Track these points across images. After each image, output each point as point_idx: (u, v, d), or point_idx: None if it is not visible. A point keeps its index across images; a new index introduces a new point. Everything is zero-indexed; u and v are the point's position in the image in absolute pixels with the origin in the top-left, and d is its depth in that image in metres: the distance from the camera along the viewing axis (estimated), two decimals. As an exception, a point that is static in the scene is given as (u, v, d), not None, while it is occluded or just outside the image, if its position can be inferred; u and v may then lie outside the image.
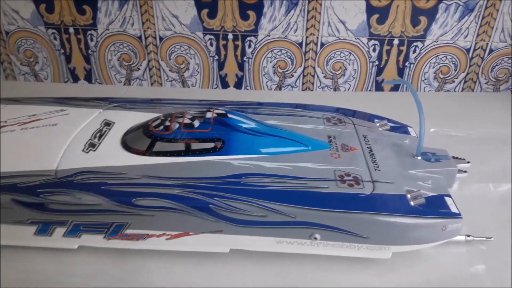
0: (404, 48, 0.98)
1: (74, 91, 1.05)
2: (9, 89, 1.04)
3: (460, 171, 0.63)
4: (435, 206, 0.53)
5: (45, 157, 0.56)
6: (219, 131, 0.58)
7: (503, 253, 0.57)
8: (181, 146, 0.57)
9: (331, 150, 0.61)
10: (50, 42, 1.03)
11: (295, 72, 1.03)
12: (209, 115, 0.59)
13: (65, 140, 0.59)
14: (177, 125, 0.58)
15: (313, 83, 1.04)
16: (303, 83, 1.04)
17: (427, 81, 1.02)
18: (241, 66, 1.03)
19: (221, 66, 1.03)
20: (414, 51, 0.98)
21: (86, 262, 0.55)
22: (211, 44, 1.00)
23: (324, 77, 1.03)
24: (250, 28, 0.97)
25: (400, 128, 0.70)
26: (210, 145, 0.57)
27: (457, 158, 0.64)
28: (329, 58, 1.00)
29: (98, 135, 0.61)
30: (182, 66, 1.04)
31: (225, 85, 1.06)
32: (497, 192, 0.67)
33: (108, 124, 0.64)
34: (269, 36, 0.98)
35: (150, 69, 1.05)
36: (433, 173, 0.60)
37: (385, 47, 0.98)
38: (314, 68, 1.02)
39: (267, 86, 1.05)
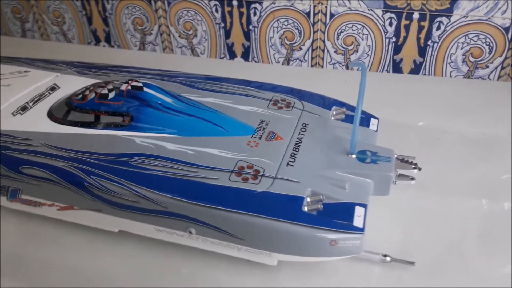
0: (425, 23, 0.84)
1: (92, 53, 1.09)
2: (34, 48, 1.11)
3: (405, 176, 0.53)
4: (333, 216, 0.45)
5: (-24, 117, 0.59)
6: (131, 105, 0.56)
7: (419, 284, 0.47)
8: (90, 118, 0.56)
9: (252, 137, 0.55)
10: (73, 4, 1.07)
11: (303, 45, 0.94)
12: (123, 87, 0.57)
13: (3, 102, 0.62)
14: (93, 95, 0.57)
15: (323, 58, 0.95)
16: (312, 58, 0.95)
17: (454, 65, 0.87)
18: (247, 35, 0.97)
19: (227, 34, 0.99)
20: (438, 28, 0.83)
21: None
22: (217, 11, 0.96)
23: (335, 52, 0.93)
24: (254, -6, 0.91)
25: (362, 119, 0.61)
26: (118, 119, 0.55)
27: (406, 161, 0.54)
28: (339, 31, 0.90)
29: (37, 99, 0.62)
30: (190, 33, 1.01)
31: (232, 54, 1.01)
32: (458, 209, 0.56)
33: (53, 88, 0.65)
34: (274, 3, 0.91)
35: (161, 34, 1.04)
36: (363, 176, 0.51)
37: (403, 22, 0.85)
38: (323, 41, 0.92)
39: (274, 59, 0.98)
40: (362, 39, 0.90)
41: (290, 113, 0.60)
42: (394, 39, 0.87)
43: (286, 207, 0.46)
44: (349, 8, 0.86)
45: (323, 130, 0.57)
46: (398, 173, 0.52)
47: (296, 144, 0.54)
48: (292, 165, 0.51)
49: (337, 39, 0.91)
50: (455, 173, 0.60)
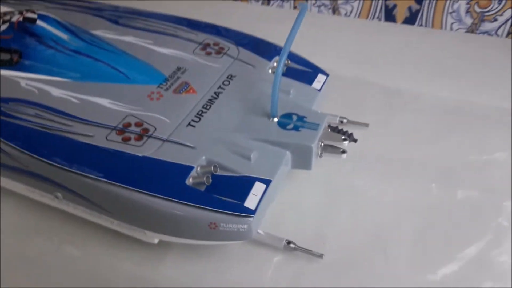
0: (425, -39, 0.69)
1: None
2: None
3: (335, 148, 0.43)
4: (221, 192, 0.37)
5: None
6: (21, 41, 0.47)
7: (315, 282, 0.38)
8: (-23, 53, 0.48)
9: (159, 87, 0.46)
10: None
11: (285, -18, 0.81)
12: (14, 18, 0.48)
13: None
14: (-17, 27, 0.49)
15: None
16: (295, -3, 0.83)
17: (456, 15, 0.72)
18: (224, -32, 0.85)
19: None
20: (440, -32, 0.69)
21: None
22: None
23: (321, -8, 0.80)
24: None
25: (306, 74, 0.50)
26: (6, 56, 0.47)
27: (339, 131, 0.44)
28: (325, -33, 0.76)
29: None
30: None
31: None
32: (399, 194, 0.45)
33: None
34: None
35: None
36: (280, 145, 0.41)
37: (399, -42, 0.70)
38: (307, -21, 0.79)
39: (253, -3, 0.86)
40: (351, -22, 0.76)
41: (219, 61, 0.50)
42: (387, -21, 0.73)
43: (165, 179, 0.37)
44: None
45: (252, 85, 0.47)
46: (323, 144, 0.42)
47: (210, 100, 0.45)
48: (194, 126, 0.42)
49: (323, -23, 0.78)
50: (411, 148, 0.49)
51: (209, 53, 0.51)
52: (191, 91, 0.46)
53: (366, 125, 0.52)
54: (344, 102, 0.57)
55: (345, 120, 0.53)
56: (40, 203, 0.44)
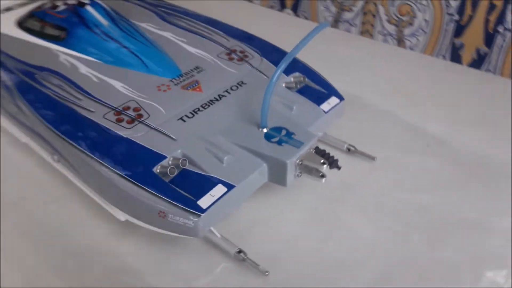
0: (499, 2, 0.64)
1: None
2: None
3: (316, 171, 0.42)
4: (181, 186, 0.38)
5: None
6: (71, 21, 0.53)
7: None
8: (37, 27, 0.55)
9: (171, 81, 0.49)
10: None
11: (354, 6, 0.80)
12: (71, 1, 0.55)
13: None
14: (49, 5, 0.56)
15: (373, 26, 0.80)
16: (362, 23, 0.81)
17: (527, 65, 0.65)
18: (300, -14, 0.87)
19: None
20: (515, 11, 0.63)
21: None
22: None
23: (388, 21, 0.78)
24: None
25: (318, 94, 0.50)
26: (56, 32, 0.54)
27: (323, 154, 0.42)
28: (395, -4, 0.74)
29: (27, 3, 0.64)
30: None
31: (283, 4, 0.92)
32: (375, 234, 0.42)
33: None
34: (330, -48, 0.78)
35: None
36: (259, 156, 0.42)
37: (471, -4, 0.66)
38: (376, 4, 0.77)
39: (323, 17, 0.86)
40: (419, 11, 0.73)
41: (237, 67, 0.52)
42: (456, 17, 0.69)
43: (135, 161, 0.40)
44: (410, -32, 0.70)
45: (258, 95, 0.48)
46: (301, 162, 0.41)
47: (211, 100, 0.47)
48: (184, 121, 0.44)
49: (392, 5, 0.75)
50: (412, 192, 0.46)
51: (231, 59, 0.53)
52: (197, 89, 0.48)
53: (373, 158, 0.50)
54: (364, 131, 0.55)
55: (352, 149, 0.51)
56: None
